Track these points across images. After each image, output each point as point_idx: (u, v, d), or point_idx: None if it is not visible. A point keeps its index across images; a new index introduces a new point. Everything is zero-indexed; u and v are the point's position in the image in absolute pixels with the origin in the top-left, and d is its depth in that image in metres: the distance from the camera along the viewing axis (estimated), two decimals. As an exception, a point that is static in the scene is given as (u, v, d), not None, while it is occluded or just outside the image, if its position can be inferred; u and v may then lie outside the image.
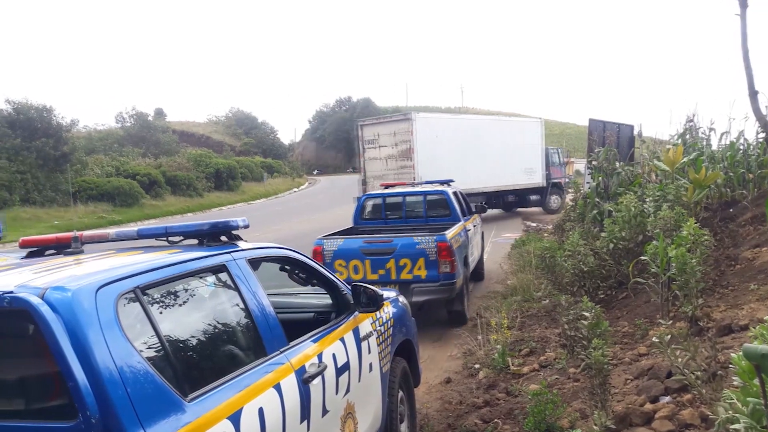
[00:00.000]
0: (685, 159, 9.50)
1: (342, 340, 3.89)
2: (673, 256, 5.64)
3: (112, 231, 3.53)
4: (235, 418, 2.56)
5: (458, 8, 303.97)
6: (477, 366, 6.97)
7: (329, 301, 4.40)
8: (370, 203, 11.80)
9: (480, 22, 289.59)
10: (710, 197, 9.12)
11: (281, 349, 3.18)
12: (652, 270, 6.19)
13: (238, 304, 3.10)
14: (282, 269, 4.07)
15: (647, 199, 8.73)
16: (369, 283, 8.11)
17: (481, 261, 12.92)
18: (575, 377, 5.77)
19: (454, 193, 11.53)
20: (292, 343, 3.32)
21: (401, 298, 5.45)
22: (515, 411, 5.43)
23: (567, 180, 28.02)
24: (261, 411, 2.75)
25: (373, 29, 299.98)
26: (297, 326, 3.63)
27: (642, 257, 6.62)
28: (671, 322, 5.76)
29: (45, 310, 2.13)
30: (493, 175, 24.26)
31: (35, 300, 2.15)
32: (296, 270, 4.13)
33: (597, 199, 12.02)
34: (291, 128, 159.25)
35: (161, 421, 2.24)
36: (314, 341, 3.57)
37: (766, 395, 2.32)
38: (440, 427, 5.52)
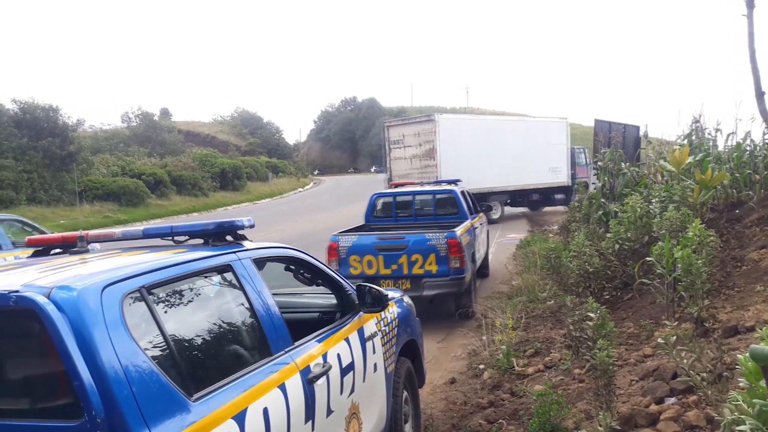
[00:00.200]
0: (691, 160, 9.47)
1: (347, 340, 3.89)
2: (678, 257, 5.62)
3: (117, 230, 3.54)
4: (240, 418, 2.56)
5: (463, 8, 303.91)
6: (482, 366, 6.96)
7: (334, 301, 4.39)
8: (380, 202, 12.09)
9: (485, 23, 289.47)
10: (716, 198, 9.09)
11: (286, 349, 3.18)
12: (658, 271, 6.17)
13: (243, 304, 3.09)
14: (287, 269, 4.07)
15: (653, 200, 8.70)
16: (382, 278, 8.73)
17: (486, 259, 13.18)
18: (580, 378, 5.76)
19: (462, 193, 11.82)
20: (296, 343, 3.32)
21: (406, 299, 5.44)
22: (520, 412, 5.43)
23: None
24: (266, 411, 2.75)
25: (379, 30, 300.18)
26: (302, 326, 3.63)
27: (647, 258, 6.60)
28: (677, 323, 5.75)
29: (51, 309, 2.13)
30: (516, 173, 24.52)
31: (41, 299, 2.15)
32: (301, 270, 4.13)
33: (602, 200, 12.01)
34: (296, 128, 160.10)
35: (166, 421, 2.24)
36: (319, 341, 3.57)
37: (773, 397, 2.31)
38: (445, 428, 5.52)
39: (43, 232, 13.40)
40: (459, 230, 9.44)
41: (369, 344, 4.19)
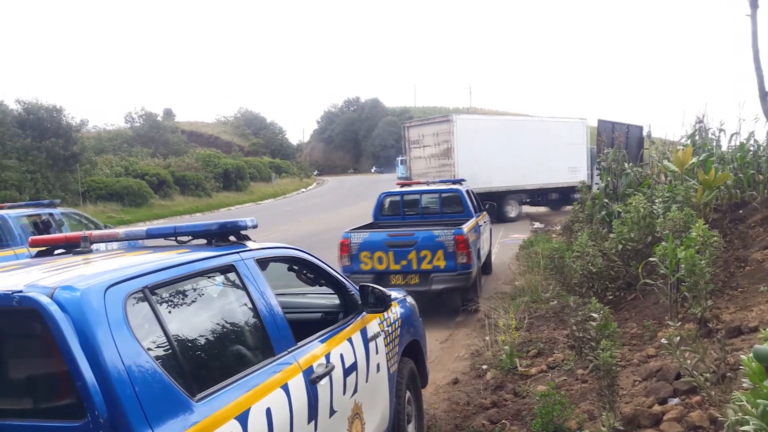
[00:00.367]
0: (695, 160, 9.46)
1: (350, 340, 3.89)
2: (682, 257, 5.62)
3: (121, 231, 3.55)
4: (242, 419, 2.56)
5: (466, 9, 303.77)
6: (485, 367, 6.96)
7: (337, 301, 4.40)
8: (388, 200, 12.36)
9: (488, 23, 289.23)
10: (720, 198, 9.07)
11: (289, 350, 3.18)
12: (661, 271, 6.16)
13: (246, 304, 3.10)
14: (290, 269, 4.07)
15: (656, 200, 8.70)
16: (392, 273, 9.08)
17: (489, 256, 13.51)
18: (583, 378, 5.75)
19: (467, 192, 12.22)
20: (299, 344, 3.32)
21: (409, 299, 5.45)
22: (523, 412, 5.42)
23: None
24: (269, 411, 2.75)
25: (381, 30, 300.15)
26: (305, 326, 3.63)
27: (651, 258, 6.59)
28: (680, 323, 5.74)
29: (54, 309, 2.13)
30: (534, 173, 24.71)
31: (44, 299, 2.15)
32: (304, 270, 4.14)
33: (606, 200, 11.99)
34: (299, 129, 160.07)
35: (169, 421, 2.24)
36: (322, 341, 3.58)
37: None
38: (448, 428, 5.52)
39: (98, 225, 14.55)
40: (466, 227, 9.81)
41: (372, 344, 4.19)
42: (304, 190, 60.99)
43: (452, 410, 5.91)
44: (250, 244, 3.45)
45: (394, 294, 4.85)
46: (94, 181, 36.48)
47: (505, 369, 6.64)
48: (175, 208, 38.82)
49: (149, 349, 2.36)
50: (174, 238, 3.52)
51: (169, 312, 2.64)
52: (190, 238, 3.51)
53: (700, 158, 9.70)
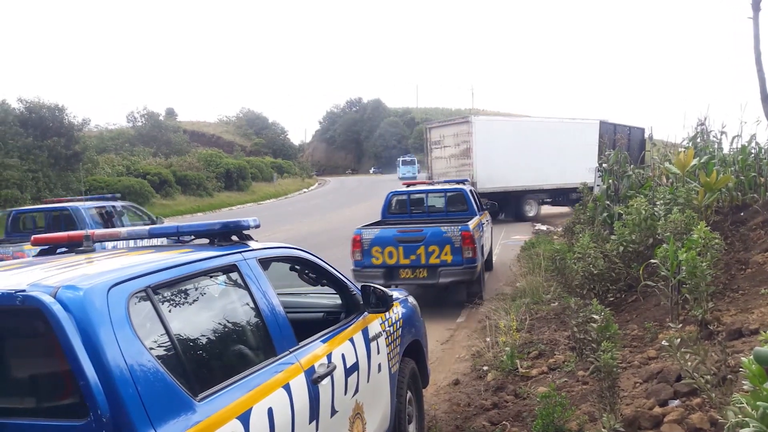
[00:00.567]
0: (696, 162, 9.46)
1: (351, 340, 3.90)
2: (683, 259, 5.62)
3: (123, 230, 3.55)
4: (244, 418, 2.57)
5: (468, 10, 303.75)
6: (485, 368, 6.96)
7: (338, 301, 4.41)
8: (396, 199, 12.97)
9: (490, 24, 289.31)
10: (721, 201, 9.07)
11: (291, 349, 3.19)
12: (662, 273, 6.16)
13: (248, 304, 3.11)
14: (292, 269, 4.08)
15: (658, 202, 8.69)
16: (401, 267, 9.55)
17: (490, 253, 13.98)
18: (584, 380, 5.75)
19: (470, 191, 12.89)
20: (301, 343, 3.34)
21: (410, 299, 5.46)
22: (523, 413, 5.43)
23: None
24: (270, 411, 2.76)
25: (384, 31, 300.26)
26: (306, 326, 3.64)
27: (652, 260, 6.59)
28: (681, 325, 5.74)
29: (57, 308, 2.14)
30: (553, 173, 24.91)
31: (47, 299, 2.16)
32: (306, 270, 4.15)
33: (607, 202, 11.98)
34: (301, 129, 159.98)
35: (171, 421, 2.25)
36: (323, 341, 3.58)
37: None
38: (448, 429, 5.52)
39: (151, 218, 16.58)
40: (471, 224, 10.42)
41: (373, 344, 4.20)
42: (305, 190, 60.97)
43: (453, 411, 5.91)
44: (252, 244, 3.46)
45: (395, 294, 4.87)
46: (96, 181, 36.49)
47: (506, 370, 6.65)
48: (176, 207, 38.82)
49: (152, 348, 2.36)
50: (176, 238, 3.53)
51: (172, 311, 2.64)
52: (193, 237, 3.51)
53: (702, 160, 9.70)
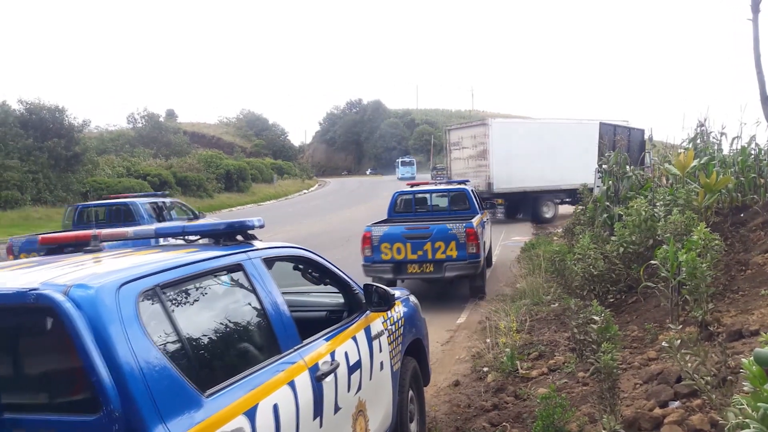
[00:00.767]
0: (696, 163, 9.45)
1: (354, 338, 3.95)
2: (683, 260, 5.61)
3: (130, 229, 3.59)
4: (251, 414, 2.62)
5: (468, 11, 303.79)
6: (485, 369, 6.96)
7: (340, 300, 4.45)
8: (401, 199, 13.54)
9: (490, 25, 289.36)
10: (721, 202, 9.07)
11: (295, 347, 3.24)
12: (662, 274, 6.16)
13: (253, 303, 3.16)
14: (295, 268, 4.13)
15: (658, 204, 8.68)
16: (409, 262, 10.01)
17: (490, 251, 14.37)
18: (584, 381, 5.75)
19: (472, 191, 13.48)
20: (305, 342, 3.38)
21: (412, 298, 5.49)
22: (524, 415, 5.43)
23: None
24: (276, 407, 2.81)
25: (384, 32, 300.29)
26: (309, 325, 3.67)
27: (652, 261, 6.59)
28: (681, 326, 5.73)
29: (69, 306, 2.18)
30: (570, 173, 24.91)
31: (59, 297, 2.20)
32: (310, 269, 4.20)
33: (607, 203, 11.98)
34: (301, 130, 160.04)
35: (180, 416, 2.30)
36: (327, 340, 3.63)
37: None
38: (448, 430, 5.52)
39: (194, 213, 18.36)
40: (475, 221, 11.03)
41: (376, 343, 4.24)
42: (305, 191, 60.99)
43: (453, 412, 5.91)
44: (256, 244, 3.50)
45: (397, 293, 4.91)
46: (96, 182, 36.48)
47: (506, 371, 6.65)
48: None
49: (160, 345, 2.41)
50: (182, 238, 3.58)
51: (179, 309, 2.69)
52: (198, 237, 3.56)
53: (702, 161, 9.69)
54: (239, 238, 3.49)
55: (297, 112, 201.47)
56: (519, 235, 20.44)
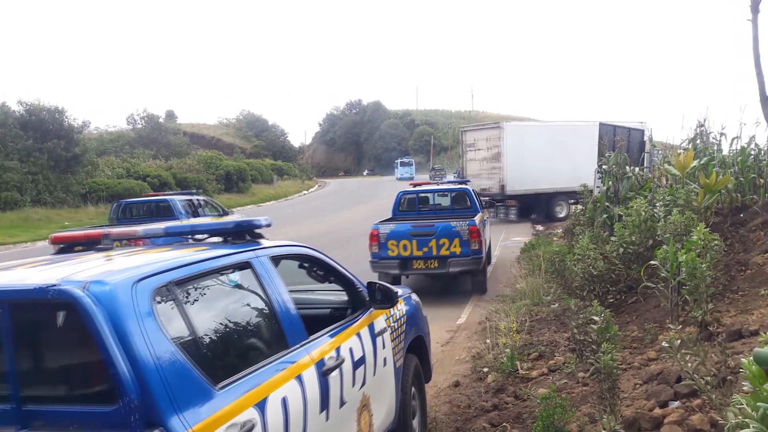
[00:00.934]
0: (696, 163, 9.45)
1: (358, 335, 4.03)
2: (683, 260, 5.62)
3: (139, 228, 3.67)
4: (261, 407, 2.71)
5: (468, 12, 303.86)
6: (486, 370, 6.96)
7: (343, 297, 4.52)
8: (406, 198, 14.05)
9: (490, 26, 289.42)
10: (721, 202, 9.07)
11: (302, 343, 3.31)
12: (662, 274, 6.16)
13: (262, 299, 3.24)
14: (301, 267, 4.22)
15: (657, 204, 8.69)
16: (415, 259, 10.49)
17: (489, 248, 14.68)
18: (584, 381, 5.76)
19: (473, 191, 14.07)
20: (311, 337, 3.46)
21: (414, 296, 5.56)
22: (524, 415, 5.43)
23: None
24: (284, 401, 2.89)
25: (384, 33, 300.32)
26: (314, 321, 3.73)
27: (652, 262, 6.59)
28: (681, 326, 5.74)
29: (88, 302, 2.25)
30: (583, 174, 24.83)
31: (79, 293, 2.27)
32: (315, 267, 4.28)
33: (607, 204, 11.98)
34: (301, 131, 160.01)
35: (194, 408, 2.37)
36: (332, 336, 3.71)
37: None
38: (448, 431, 5.53)
39: (224, 210, 20.13)
40: (477, 219, 11.54)
41: (379, 339, 4.32)
42: (305, 192, 60.98)
43: (453, 413, 5.91)
44: (264, 242, 3.58)
45: (399, 291, 4.96)
46: (96, 183, 36.47)
47: (506, 372, 6.65)
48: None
49: (174, 339, 2.48)
50: (191, 236, 3.68)
51: (192, 305, 2.75)
52: (207, 236, 3.64)
53: (701, 162, 9.69)
54: (247, 237, 3.55)
55: (297, 112, 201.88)
56: (519, 235, 20.43)
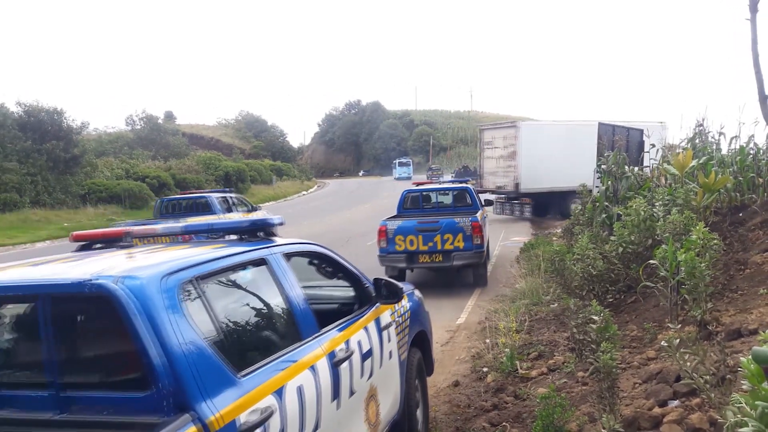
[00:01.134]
0: (695, 163, 9.46)
1: (366, 329, 4.20)
2: (682, 260, 5.62)
3: (159, 227, 3.87)
4: (279, 394, 2.86)
5: (467, 12, 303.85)
6: (485, 369, 6.97)
7: (350, 293, 4.66)
8: (410, 196, 14.74)
9: (489, 26, 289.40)
10: (720, 201, 9.08)
11: (314, 336, 3.48)
12: (662, 274, 6.17)
13: (276, 294, 3.40)
14: (310, 263, 4.37)
15: (657, 203, 8.69)
16: (420, 253, 11.92)
17: (488, 247, 14.91)
18: (584, 381, 5.76)
19: (473, 190, 15.03)
20: (322, 330, 3.62)
21: (417, 292, 5.71)
22: (523, 414, 5.43)
23: None
24: (300, 389, 3.05)
25: (383, 33, 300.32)
26: (323, 316, 3.86)
27: (651, 261, 6.59)
28: (680, 326, 5.74)
29: (122, 295, 2.40)
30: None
31: (113, 286, 2.42)
32: (324, 264, 4.46)
33: (606, 203, 11.98)
34: (300, 131, 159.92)
35: (219, 394, 2.51)
36: (341, 330, 3.86)
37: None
38: (448, 430, 5.53)
39: (252, 206, 21.87)
40: (479, 215, 12.33)
41: (385, 333, 4.50)
42: (304, 192, 60.96)
43: (453, 413, 5.92)
44: (277, 240, 3.74)
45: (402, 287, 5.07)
46: (95, 184, 36.46)
47: (506, 371, 6.65)
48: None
49: (200, 331, 2.62)
50: (207, 235, 3.88)
51: (214, 299, 2.88)
52: (222, 234, 3.83)
53: (700, 161, 9.70)
54: (260, 234, 3.71)
55: (296, 113, 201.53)
56: (519, 235, 20.44)
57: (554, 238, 16.91)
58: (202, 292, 2.77)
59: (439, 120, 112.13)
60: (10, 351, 2.87)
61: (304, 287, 3.78)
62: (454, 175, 52.72)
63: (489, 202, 15.99)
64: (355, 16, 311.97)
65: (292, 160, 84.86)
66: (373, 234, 14.20)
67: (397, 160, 79.20)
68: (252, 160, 64.84)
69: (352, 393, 3.71)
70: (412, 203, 14.62)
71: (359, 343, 3.97)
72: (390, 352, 4.53)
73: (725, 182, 8.39)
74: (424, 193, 14.87)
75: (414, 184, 15.87)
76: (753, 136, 10.25)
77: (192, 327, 2.56)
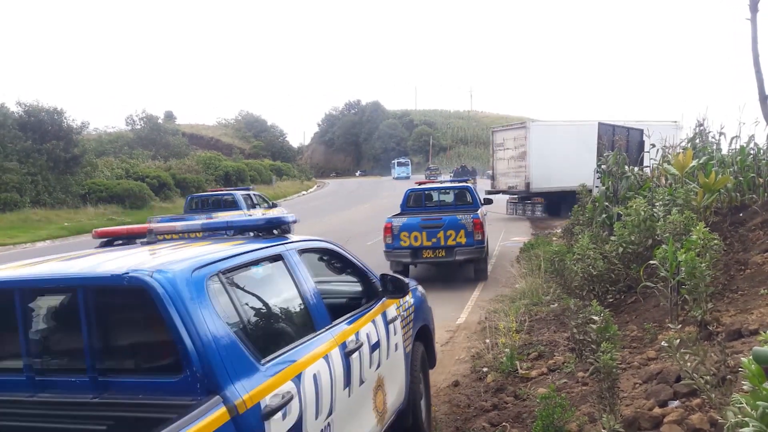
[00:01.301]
0: (695, 163, 9.45)
1: (373, 321, 4.38)
2: (682, 260, 5.61)
3: (178, 224, 4.05)
4: (297, 381, 3.04)
5: (467, 12, 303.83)
6: (485, 369, 6.96)
7: (357, 288, 4.82)
8: (413, 195, 15.24)
9: (489, 26, 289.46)
10: (720, 201, 9.07)
11: (326, 327, 3.67)
12: (662, 274, 6.16)
13: (292, 287, 3.60)
14: (320, 259, 4.61)
15: (657, 203, 8.68)
16: (425, 248, 12.77)
17: (488, 241, 15.33)
18: (584, 381, 5.76)
19: (474, 188, 15.69)
20: (334, 323, 3.81)
21: (420, 288, 5.89)
22: (523, 415, 5.43)
23: None
24: (316, 376, 3.23)
25: (383, 33, 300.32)
26: (333, 309, 4.01)
27: (651, 261, 6.59)
28: (680, 326, 5.74)
29: (157, 287, 2.58)
30: None
31: (150, 279, 2.60)
32: (334, 260, 4.70)
33: (606, 203, 11.97)
34: (300, 131, 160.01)
35: (244, 379, 2.69)
36: (350, 322, 4.04)
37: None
38: (448, 430, 5.53)
39: (274, 203, 24.20)
40: (480, 212, 12.93)
41: (391, 326, 4.69)
42: (304, 192, 60.92)
43: (453, 413, 5.91)
44: (291, 237, 3.95)
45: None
46: (95, 184, 36.48)
47: (506, 372, 6.65)
48: (176, 210, 38.64)
49: (226, 320, 2.80)
50: (225, 232, 4.05)
51: (236, 291, 3.07)
52: (235, 232, 4.01)
53: (701, 161, 9.69)
54: (275, 232, 3.89)
55: (296, 113, 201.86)
56: (518, 235, 20.44)
57: (554, 238, 16.90)
58: (226, 285, 2.95)
59: (438, 120, 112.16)
60: (50, 339, 3.05)
61: (316, 282, 3.93)
62: (452, 174, 52.85)
63: (488, 201, 16.42)
64: (355, 16, 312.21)
65: (292, 160, 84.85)
66: (373, 234, 14.40)
67: (396, 160, 79.90)
68: (252, 160, 64.89)
69: (362, 382, 3.89)
70: (415, 201, 15.07)
71: (368, 335, 4.15)
72: (396, 345, 4.71)
73: (725, 182, 8.38)
74: (427, 192, 15.37)
75: (416, 183, 16.32)
76: (753, 136, 10.25)
77: (219, 317, 2.74)
